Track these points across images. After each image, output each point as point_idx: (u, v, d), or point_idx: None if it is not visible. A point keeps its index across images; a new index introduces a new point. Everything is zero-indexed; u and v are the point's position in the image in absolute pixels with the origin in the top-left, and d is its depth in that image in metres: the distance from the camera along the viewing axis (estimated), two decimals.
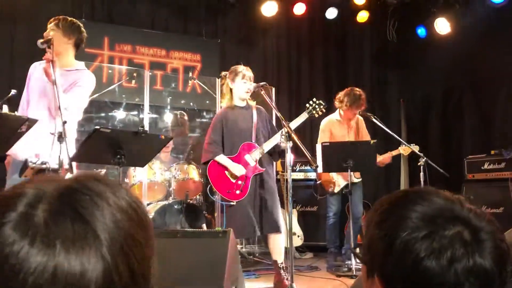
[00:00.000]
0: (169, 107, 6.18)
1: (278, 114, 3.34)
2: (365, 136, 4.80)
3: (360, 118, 4.89)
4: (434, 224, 0.73)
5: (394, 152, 4.75)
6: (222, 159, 3.67)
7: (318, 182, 4.99)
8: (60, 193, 0.54)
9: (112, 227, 0.53)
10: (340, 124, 4.78)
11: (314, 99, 3.81)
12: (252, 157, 3.67)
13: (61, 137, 2.64)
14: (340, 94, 4.64)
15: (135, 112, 5.94)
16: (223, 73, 3.90)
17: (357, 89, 4.61)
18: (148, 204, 4.92)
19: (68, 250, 0.49)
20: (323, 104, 3.81)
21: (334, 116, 4.76)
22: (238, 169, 3.62)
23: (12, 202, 0.53)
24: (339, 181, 4.71)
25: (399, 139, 4.59)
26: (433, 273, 0.71)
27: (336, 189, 4.71)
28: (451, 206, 0.75)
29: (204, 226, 4.71)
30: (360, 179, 4.75)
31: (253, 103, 3.85)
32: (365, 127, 4.90)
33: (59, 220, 0.51)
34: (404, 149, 4.70)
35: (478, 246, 0.72)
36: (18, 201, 0.53)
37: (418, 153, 4.42)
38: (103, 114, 5.84)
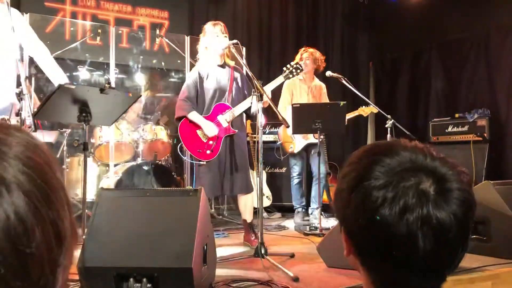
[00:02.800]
0: (137, 66, 5.99)
1: (250, 73, 3.28)
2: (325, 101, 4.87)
3: (323, 85, 4.93)
4: (394, 175, 0.72)
5: (353, 113, 4.81)
6: (195, 116, 3.59)
7: (278, 142, 5.05)
8: None
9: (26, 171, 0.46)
10: (301, 86, 4.83)
11: (292, 63, 3.76)
12: (225, 118, 3.62)
13: (22, 93, 2.52)
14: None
15: (101, 72, 5.73)
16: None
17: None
18: (115, 165, 4.84)
19: None
20: (300, 68, 3.76)
21: (297, 76, 4.77)
22: (211, 129, 3.57)
23: None
24: (298, 141, 4.77)
25: (366, 100, 4.61)
26: (386, 223, 0.70)
27: (296, 149, 4.79)
28: (414, 157, 0.74)
29: (174, 187, 4.69)
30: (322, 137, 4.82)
31: (231, 63, 3.75)
32: (326, 94, 4.94)
33: None
34: (363, 110, 4.74)
35: (440, 195, 0.71)
36: None
37: (386, 114, 4.46)
38: (67, 74, 5.60)
